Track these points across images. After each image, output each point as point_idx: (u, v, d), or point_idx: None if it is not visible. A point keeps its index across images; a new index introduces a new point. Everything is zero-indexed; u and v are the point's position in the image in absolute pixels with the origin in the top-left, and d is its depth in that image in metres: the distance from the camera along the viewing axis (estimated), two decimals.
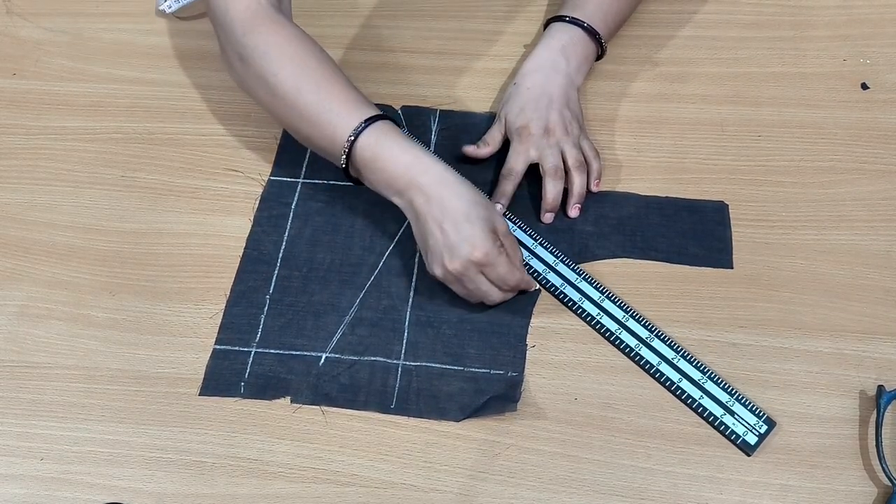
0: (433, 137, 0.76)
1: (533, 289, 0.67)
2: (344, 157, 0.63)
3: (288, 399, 0.62)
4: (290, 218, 0.72)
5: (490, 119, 0.77)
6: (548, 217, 0.71)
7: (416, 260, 0.69)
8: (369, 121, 0.62)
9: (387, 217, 0.71)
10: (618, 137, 0.75)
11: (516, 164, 0.70)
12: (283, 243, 0.70)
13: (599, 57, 0.77)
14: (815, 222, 0.70)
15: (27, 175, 0.76)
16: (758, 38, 0.82)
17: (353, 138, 0.62)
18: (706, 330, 0.64)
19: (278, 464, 0.60)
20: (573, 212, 0.70)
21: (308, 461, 0.60)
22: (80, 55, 0.84)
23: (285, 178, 0.74)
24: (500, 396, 0.62)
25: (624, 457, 0.59)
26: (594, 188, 0.72)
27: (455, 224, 0.60)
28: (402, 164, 0.62)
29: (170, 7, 0.76)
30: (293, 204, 0.73)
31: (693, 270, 0.67)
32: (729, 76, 0.79)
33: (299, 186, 0.74)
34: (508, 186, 0.70)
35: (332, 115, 0.63)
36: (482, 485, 0.59)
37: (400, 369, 0.64)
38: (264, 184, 0.74)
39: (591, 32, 0.74)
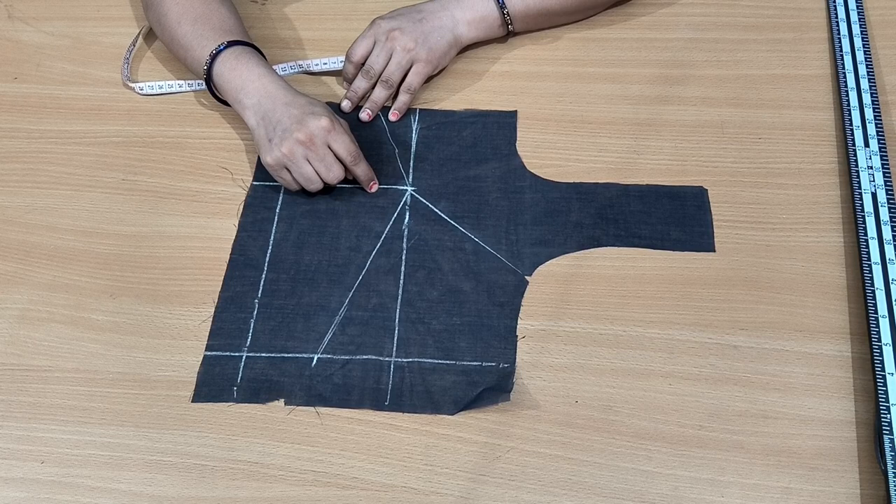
0: (414, 136, 0.77)
1: (371, 185, 0.72)
2: (205, 69, 0.73)
3: (282, 402, 0.63)
4: (275, 222, 0.72)
5: (471, 116, 0.77)
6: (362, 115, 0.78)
7: (404, 257, 0.69)
8: (231, 43, 0.73)
9: (372, 216, 0.71)
10: (618, 140, 0.75)
11: (356, 48, 0.77)
12: (270, 247, 0.70)
13: (507, 35, 0.82)
14: (815, 224, 0.69)
15: (28, 179, 0.76)
16: (758, 41, 0.82)
17: (214, 53, 0.72)
18: (707, 332, 0.64)
19: (278, 467, 0.60)
20: (363, 115, 0.78)
21: (308, 464, 0.60)
22: (81, 59, 0.85)
23: (268, 183, 0.74)
24: (494, 388, 0.62)
25: (625, 459, 0.59)
26: (391, 117, 0.77)
27: (284, 108, 0.69)
28: (246, 77, 0.71)
29: (141, 90, 0.80)
30: (277, 208, 0.73)
31: (694, 273, 0.67)
32: (729, 78, 0.79)
33: (283, 190, 0.74)
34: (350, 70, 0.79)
35: (203, 40, 0.74)
36: (483, 487, 0.59)
37: (392, 366, 0.64)
38: (247, 189, 0.74)
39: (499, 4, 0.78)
